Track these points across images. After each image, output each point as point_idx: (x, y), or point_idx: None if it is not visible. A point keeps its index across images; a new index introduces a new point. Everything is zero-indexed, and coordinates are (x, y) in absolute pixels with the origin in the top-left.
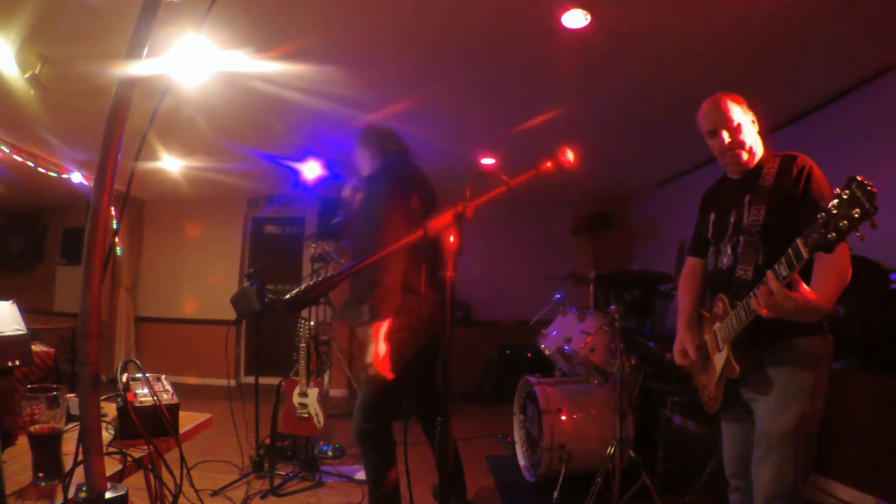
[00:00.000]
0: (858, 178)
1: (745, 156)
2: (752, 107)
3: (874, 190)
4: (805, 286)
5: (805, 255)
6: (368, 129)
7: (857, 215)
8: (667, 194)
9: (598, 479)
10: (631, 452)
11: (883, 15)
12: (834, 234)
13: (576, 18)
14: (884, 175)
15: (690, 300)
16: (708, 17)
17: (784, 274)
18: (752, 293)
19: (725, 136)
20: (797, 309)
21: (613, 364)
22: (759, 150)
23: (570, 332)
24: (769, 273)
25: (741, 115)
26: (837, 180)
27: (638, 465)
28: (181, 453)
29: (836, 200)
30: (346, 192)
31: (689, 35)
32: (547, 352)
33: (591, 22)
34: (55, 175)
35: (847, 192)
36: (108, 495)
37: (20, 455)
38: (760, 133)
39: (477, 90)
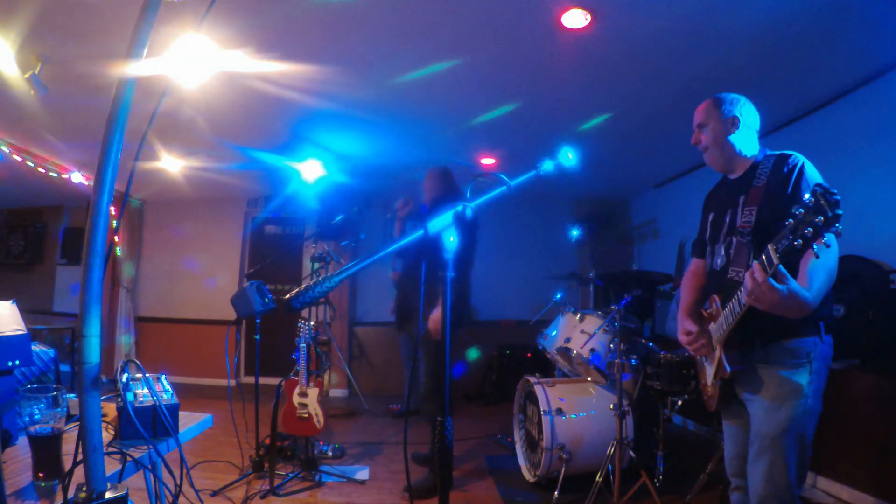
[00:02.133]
0: (823, 186)
1: (706, 155)
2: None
3: (837, 198)
4: (791, 279)
5: (776, 262)
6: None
7: (820, 223)
8: (667, 194)
9: (598, 479)
10: (631, 452)
11: (883, 15)
12: (800, 241)
13: (576, 18)
14: (883, 176)
15: (692, 296)
16: (708, 18)
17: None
18: (737, 293)
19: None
20: (782, 300)
21: (613, 364)
22: (746, 151)
23: (570, 332)
24: (756, 263)
25: (709, 116)
26: (837, 180)
27: (638, 465)
28: (181, 453)
29: (802, 208)
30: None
31: (689, 35)
32: (547, 352)
33: (591, 22)
34: (55, 175)
35: (812, 199)
36: (108, 495)
37: (20, 455)
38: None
39: (477, 90)
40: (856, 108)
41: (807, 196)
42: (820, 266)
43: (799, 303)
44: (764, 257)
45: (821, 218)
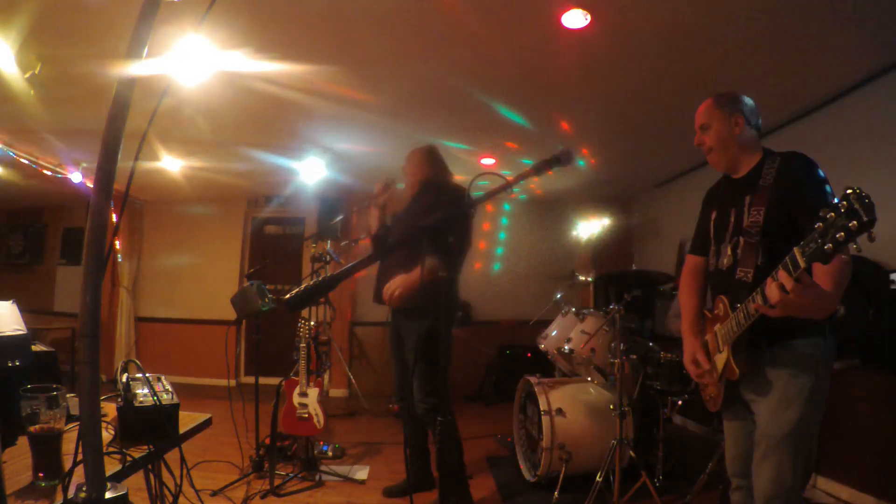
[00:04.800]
0: (857, 190)
1: (711, 156)
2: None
3: (871, 202)
4: (813, 280)
5: (802, 265)
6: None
7: (854, 227)
8: (667, 194)
9: (598, 479)
10: (631, 452)
11: (883, 15)
12: (831, 245)
13: (576, 18)
14: (883, 175)
15: (693, 302)
16: (708, 17)
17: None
18: (752, 296)
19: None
20: (810, 302)
21: (613, 364)
22: (750, 150)
23: (570, 332)
24: (781, 271)
25: (712, 117)
26: (837, 180)
27: (638, 465)
28: (181, 453)
29: (833, 211)
30: None
31: (688, 35)
32: (547, 352)
33: (591, 22)
34: (55, 175)
35: (845, 203)
36: (108, 495)
37: (20, 455)
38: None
39: (477, 90)
40: (856, 108)
41: (836, 199)
42: (836, 260)
43: (825, 302)
44: (789, 261)
45: (854, 222)
